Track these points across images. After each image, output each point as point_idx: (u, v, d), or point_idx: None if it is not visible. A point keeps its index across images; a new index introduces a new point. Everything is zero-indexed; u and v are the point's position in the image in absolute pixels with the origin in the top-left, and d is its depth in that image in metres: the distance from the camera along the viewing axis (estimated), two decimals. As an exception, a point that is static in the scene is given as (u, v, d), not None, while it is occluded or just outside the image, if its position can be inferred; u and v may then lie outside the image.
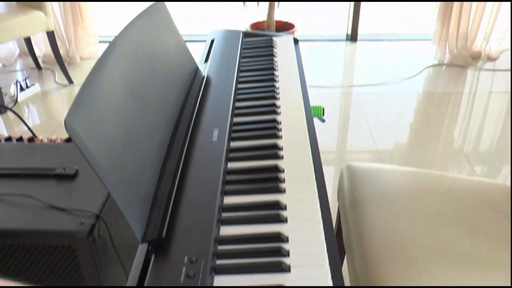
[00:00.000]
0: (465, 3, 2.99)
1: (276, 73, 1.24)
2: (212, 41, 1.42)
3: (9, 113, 2.58)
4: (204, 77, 1.16)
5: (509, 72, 3.02)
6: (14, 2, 2.82)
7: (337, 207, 1.30)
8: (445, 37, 3.14)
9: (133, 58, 0.85)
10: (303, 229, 0.73)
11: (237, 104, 1.10)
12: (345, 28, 3.62)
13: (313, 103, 2.61)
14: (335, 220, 1.41)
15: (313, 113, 1.34)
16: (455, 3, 3.01)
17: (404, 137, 2.35)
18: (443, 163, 2.15)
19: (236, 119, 1.04)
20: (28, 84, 2.77)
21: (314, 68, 3.12)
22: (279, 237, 0.71)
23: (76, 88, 2.89)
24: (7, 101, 2.66)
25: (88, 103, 0.63)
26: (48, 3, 2.70)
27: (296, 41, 1.48)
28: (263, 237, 0.71)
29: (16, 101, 2.67)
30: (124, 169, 0.67)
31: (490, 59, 3.18)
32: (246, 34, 1.51)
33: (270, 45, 1.42)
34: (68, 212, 0.98)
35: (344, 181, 1.22)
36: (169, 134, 0.89)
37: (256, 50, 1.39)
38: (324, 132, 2.37)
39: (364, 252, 0.99)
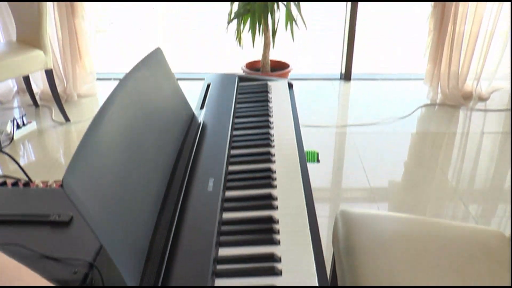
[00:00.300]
0: (455, 43, 3.06)
1: (271, 119, 1.26)
2: (208, 86, 1.45)
3: (5, 150, 2.59)
4: (200, 124, 1.18)
5: (500, 113, 3.07)
6: (14, 41, 2.87)
7: (332, 252, 1.30)
8: (437, 77, 3.21)
9: (131, 111, 0.87)
10: (298, 283, 0.73)
11: (233, 152, 1.11)
12: (339, 67, 3.69)
13: (307, 143, 2.64)
14: (330, 264, 1.40)
15: (307, 159, 1.36)
16: (446, 43, 3.09)
17: (398, 177, 2.37)
18: (438, 203, 2.15)
19: (231, 168, 1.05)
20: (25, 122, 2.78)
21: (309, 107, 3.16)
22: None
23: (72, 126, 2.91)
24: (3, 139, 2.67)
25: (86, 161, 0.64)
26: (47, 42, 2.75)
27: (290, 85, 1.51)
28: (257, 292, 0.71)
29: (12, 139, 2.68)
30: (119, 224, 0.68)
31: (481, 99, 3.24)
32: (241, 78, 1.54)
33: (265, 90, 1.45)
34: (61, 261, 0.97)
35: (339, 228, 1.23)
36: (164, 184, 0.90)
37: (251, 96, 1.41)
38: (319, 171, 2.38)
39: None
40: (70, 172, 0.59)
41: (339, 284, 1.14)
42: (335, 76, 3.71)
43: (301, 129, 1.29)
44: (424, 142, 2.72)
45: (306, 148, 1.22)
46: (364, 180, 2.33)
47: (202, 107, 1.29)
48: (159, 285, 0.69)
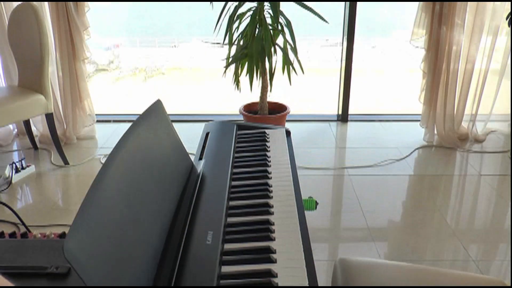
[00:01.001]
0: (450, 84, 3.12)
1: (269, 169, 1.27)
2: (207, 135, 1.47)
3: (3, 195, 2.59)
4: (199, 175, 1.20)
5: (496, 155, 3.09)
6: (16, 85, 2.92)
7: (331, 303, 1.29)
8: (433, 119, 3.25)
9: (131, 167, 0.89)
10: None
11: (231, 203, 1.12)
12: (336, 109, 3.74)
13: (305, 185, 2.65)
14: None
15: (305, 207, 1.37)
16: (440, 86, 3.15)
17: (397, 218, 2.37)
18: (437, 245, 2.15)
19: (230, 220, 1.06)
20: (24, 165, 2.80)
21: (307, 149, 3.19)
22: None
23: (71, 170, 2.92)
24: (1, 183, 2.68)
25: (87, 224, 0.65)
26: (49, 86, 2.80)
27: (288, 133, 1.54)
28: None
29: (11, 182, 2.68)
30: (119, 284, 0.68)
31: (478, 141, 3.27)
32: (240, 127, 1.56)
33: (263, 139, 1.47)
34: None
35: (338, 277, 1.22)
36: (164, 238, 0.90)
37: (250, 145, 1.43)
38: (317, 212, 2.38)
39: None
40: (72, 238, 0.60)
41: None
42: (332, 117, 3.75)
43: (299, 171, 1.30)
44: (422, 184, 2.73)
45: (304, 193, 1.23)
46: (362, 221, 2.32)
47: (201, 157, 1.31)
48: None
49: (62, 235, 1.23)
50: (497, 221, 2.34)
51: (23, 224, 1.38)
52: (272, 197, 1.14)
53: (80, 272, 0.59)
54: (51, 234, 1.24)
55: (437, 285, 1.16)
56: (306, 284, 0.84)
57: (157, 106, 1.16)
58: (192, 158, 1.29)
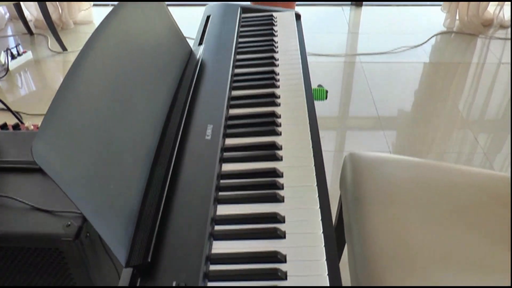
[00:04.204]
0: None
1: (276, 55, 1.15)
2: (208, 18, 1.32)
3: (1, 82, 2.50)
4: (198, 62, 1.08)
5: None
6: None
7: (335, 189, 1.25)
8: (456, 3, 3.00)
9: (115, 54, 0.77)
10: (302, 245, 0.67)
11: (234, 93, 1.02)
12: (350, -8, 3.47)
13: (314, 72, 2.51)
14: (336, 208, 1.36)
15: (315, 97, 1.26)
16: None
17: (408, 107, 2.28)
18: (448, 136, 2.08)
19: (232, 112, 0.97)
20: (20, 52, 2.66)
21: (317, 35, 2.99)
22: (277, 257, 0.65)
23: (70, 55, 2.79)
24: (-3, 70, 2.57)
25: (59, 122, 0.56)
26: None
27: (298, 16, 1.38)
28: (259, 256, 0.66)
29: (8, 70, 2.57)
30: (103, 189, 0.61)
31: (503, 27, 3.04)
32: (244, 9, 1.41)
33: (270, 23, 1.32)
34: (53, 214, 0.92)
35: (347, 173, 1.16)
36: (158, 135, 0.82)
37: (255, 29, 1.29)
38: (328, 99, 2.29)
39: (365, 250, 0.94)
40: (41, 138, 0.51)
41: (346, 229, 1.10)
42: (346, 1, 3.49)
43: (308, 58, 1.18)
44: (437, 73, 2.59)
45: (313, 81, 1.12)
46: (372, 110, 2.24)
47: (200, 43, 1.18)
48: (151, 250, 0.63)
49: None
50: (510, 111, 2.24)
51: (15, 115, 1.31)
52: (279, 86, 1.03)
53: (54, 177, 0.51)
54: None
55: (449, 181, 1.10)
56: (314, 185, 0.77)
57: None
58: (191, 44, 1.17)
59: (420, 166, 1.16)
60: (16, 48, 2.65)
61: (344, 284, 0.62)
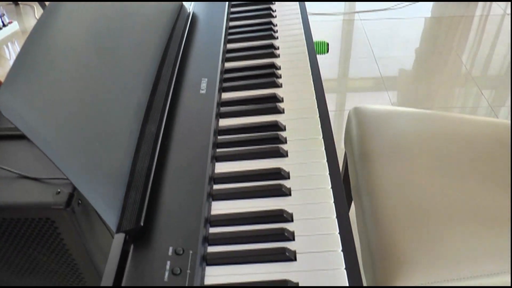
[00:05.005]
0: None
1: (273, 7, 1.07)
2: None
3: (-12, 55, 2.41)
4: (189, 14, 1.00)
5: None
6: None
7: (343, 150, 1.19)
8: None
9: (97, 3, 0.70)
10: (310, 202, 0.61)
11: (229, 46, 0.95)
12: None
13: (314, 33, 2.42)
14: (341, 164, 1.30)
15: (316, 50, 1.19)
16: None
17: (409, 63, 2.20)
18: (451, 89, 2.02)
19: (228, 65, 0.90)
20: (5, 22, 2.56)
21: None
22: (283, 216, 0.59)
23: (58, 25, 2.68)
24: (-17, 41, 2.48)
25: (32, 71, 0.49)
26: None
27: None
28: (263, 215, 0.60)
29: (-6, 41, 2.48)
30: (88, 148, 0.55)
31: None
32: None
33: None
34: (42, 181, 0.86)
35: (352, 128, 1.10)
36: (148, 91, 0.75)
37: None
38: (326, 59, 2.21)
39: (375, 208, 0.88)
40: (8, 86, 0.44)
41: (352, 186, 1.04)
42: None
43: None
44: (440, 27, 2.49)
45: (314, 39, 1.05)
46: (374, 69, 2.16)
47: (191, -6, 1.09)
48: (144, 213, 0.57)
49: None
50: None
51: None
52: (277, 37, 0.96)
53: (25, 130, 0.45)
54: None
55: (459, 132, 1.04)
56: (320, 137, 0.71)
57: None
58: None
59: (427, 118, 1.10)
60: (1, 19, 2.55)
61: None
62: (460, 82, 2.06)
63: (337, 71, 2.20)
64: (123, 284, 0.52)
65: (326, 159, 0.67)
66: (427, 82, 2.07)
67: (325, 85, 2.05)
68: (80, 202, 0.86)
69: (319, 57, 1.27)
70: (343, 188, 0.63)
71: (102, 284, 0.52)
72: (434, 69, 2.16)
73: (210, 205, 0.62)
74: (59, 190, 0.85)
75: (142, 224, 0.56)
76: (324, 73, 2.14)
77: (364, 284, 0.83)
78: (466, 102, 1.97)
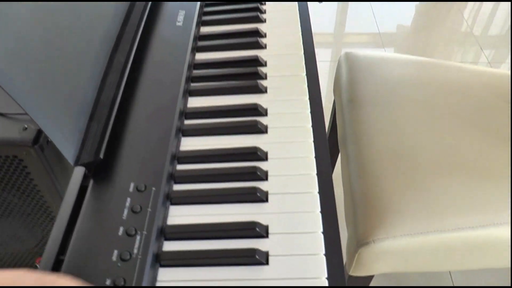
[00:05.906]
0: None
1: None
2: None
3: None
4: None
5: None
6: None
7: (333, 100, 1.14)
8: None
9: None
10: (287, 141, 0.57)
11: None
12: None
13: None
14: (329, 115, 1.25)
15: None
16: None
17: (408, 19, 2.12)
18: (449, 43, 1.95)
19: (209, -3, 0.83)
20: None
21: None
22: (256, 154, 0.55)
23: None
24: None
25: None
26: None
27: None
28: (237, 152, 0.56)
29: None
30: (43, 72, 0.49)
31: None
32: None
33: None
34: (7, 117, 0.81)
35: (342, 73, 1.04)
36: (119, 20, 0.68)
37: None
38: (321, 13, 2.12)
39: (360, 156, 0.84)
40: None
41: (339, 135, 0.99)
42: None
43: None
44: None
45: None
46: (372, 23, 2.07)
47: None
48: (104, 145, 0.52)
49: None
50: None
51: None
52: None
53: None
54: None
55: (452, 80, 0.99)
56: (303, 74, 0.65)
57: None
58: None
59: (421, 65, 1.04)
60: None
61: (336, 199, 0.53)
62: (460, 38, 1.99)
63: (333, 24, 2.11)
64: (78, 223, 0.48)
65: (308, 96, 0.62)
66: (425, 38, 2.00)
67: (320, 39, 1.98)
68: (49, 139, 0.81)
69: (316, 9, 1.20)
70: (324, 126, 0.59)
71: (56, 223, 0.48)
72: (434, 24, 2.08)
73: (179, 141, 0.57)
74: (25, 126, 0.79)
75: (101, 157, 0.51)
76: (320, 27, 2.06)
77: (345, 237, 0.80)
78: (465, 58, 1.90)
